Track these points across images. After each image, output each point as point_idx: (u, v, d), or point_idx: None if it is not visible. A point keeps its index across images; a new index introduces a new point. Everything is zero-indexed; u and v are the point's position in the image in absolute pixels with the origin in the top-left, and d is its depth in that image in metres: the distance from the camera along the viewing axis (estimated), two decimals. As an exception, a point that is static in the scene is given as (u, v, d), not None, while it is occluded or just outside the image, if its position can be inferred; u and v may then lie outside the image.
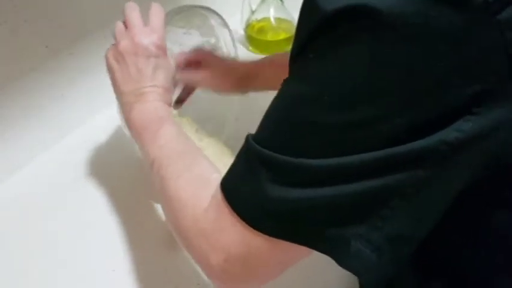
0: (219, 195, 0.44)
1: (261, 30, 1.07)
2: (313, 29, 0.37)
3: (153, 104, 0.61)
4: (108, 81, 0.94)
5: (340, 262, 0.39)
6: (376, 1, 0.34)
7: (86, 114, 0.91)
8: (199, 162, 0.53)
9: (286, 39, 1.05)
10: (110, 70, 0.65)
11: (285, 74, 0.43)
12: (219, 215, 0.43)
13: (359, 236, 0.38)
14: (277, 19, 1.06)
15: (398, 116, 0.36)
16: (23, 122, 0.80)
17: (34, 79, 0.79)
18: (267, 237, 0.40)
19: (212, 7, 1.16)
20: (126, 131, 0.67)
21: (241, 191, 0.42)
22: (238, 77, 0.77)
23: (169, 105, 0.64)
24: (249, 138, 0.43)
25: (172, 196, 0.50)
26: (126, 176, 0.80)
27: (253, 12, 1.06)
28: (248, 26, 1.07)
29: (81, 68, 0.87)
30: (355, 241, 0.38)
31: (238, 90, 0.79)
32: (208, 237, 0.44)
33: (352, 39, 0.35)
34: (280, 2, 1.05)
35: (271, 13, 1.06)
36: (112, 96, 0.96)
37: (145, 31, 0.63)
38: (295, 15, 1.06)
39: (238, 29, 1.12)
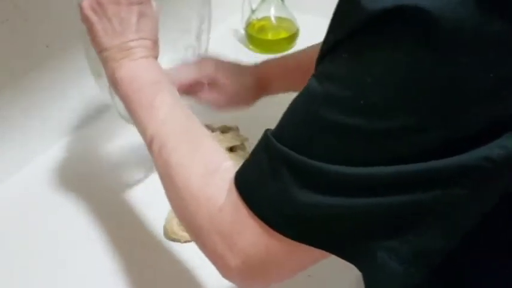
0: (235, 194, 0.42)
1: (262, 29, 1.07)
2: (352, 28, 0.35)
3: (143, 62, 0.55)
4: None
5: (365, 272, 0.38)
6: (426, 2, 0.32)
7: (87, 114, 0.91)
8: (207, 146, 0.50)
9: (287, 38, 1.05)
10: (87, 22, 0.57)
11: (301, 77, 0.42)
12: (236, 215, 0.42)
13: (387, 249, 0.36)
14: (278, 18, 1.06)
15: (438, 128, 0.34)
16: (23, 122, 0.80)
17: (34, 79, 0.79)
18: (288, 240, 0.39)
19: (213, 5, 1.16)
20: (110, 96, 0.60)
21: (262, 193, 0.40)
22: (251, 90, 0.73)
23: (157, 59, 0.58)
24: (268, 135, 0.41)
25: (182, 187, 0.47)
26: (126, 175, 0.80)
27: (253, 11, 1.06)
28: (248, 25, 1.07)
29: (81, 67, 0.87)
30: (383, 253, 0.36)
31: (251, 103, 0.74)
32: (225, 238, 0.42)
33: (396, 42, 0.33)
34: (280, 1, 1.05)
35: (272, 12, 1.06)
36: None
37: None
38: (295, 14, 1.07)
39: (239, 28, 1.12)
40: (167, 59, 0.61)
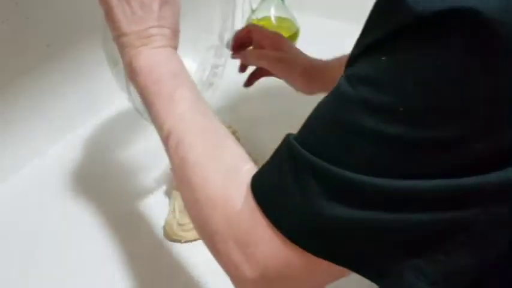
0: (253, 202, 0.39)
1: (262, 29, 1.06)
2: (395, 29, 0.33)
3: (163, 51, 0.53)
4: (108, 80, 0.94)
5: None
6: (484, 5, 0.29)
7: (87, 114, 0.91)
8: (228, 146, 0.47)
9: (287, 38, 1.05)
10: (105, 4, 0.53)
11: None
12: (254, 223, 0.39)
13: (415, 268, 0.34)
14: (278, 18, 1.06)
15: (481, 141, 0.31)
16: (24, 121, 0.80)
17: (35, 78, 0.79)
18: (309, 255, 0.37)
19: (211, 6, 1.16)
20: (126, 87, 0.58)
21: (283, 202, 0.38)
22: (306, 67, 0.72)
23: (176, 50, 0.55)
24: (291, 140, 0.38)
25: (198, 188, 0.44)
26: (126, 175, 0.80)
27: (253, 11, 1.06)
28: (249, 25, 1.07)
29: (82, 67, 0.87)
30: (410, 272, 0.34)
31: (305, 84, 0.72)
32: (242, 247, 0.40)
33: (447, 46, 0.31)
34: (281, 1, 1.05)
35: (272, 12, 1.06)
36: (113, 95, 0.96)
37: None
38: (295, 14, 1.07)
39: (239, 28, 1.12)
40: (187, 61, 0.57)
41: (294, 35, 1.06)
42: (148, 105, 0.51)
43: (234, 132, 0.77)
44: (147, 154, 0.84)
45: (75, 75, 0.86)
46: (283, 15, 1.06)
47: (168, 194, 0.75)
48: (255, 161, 0.76)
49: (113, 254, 0.68)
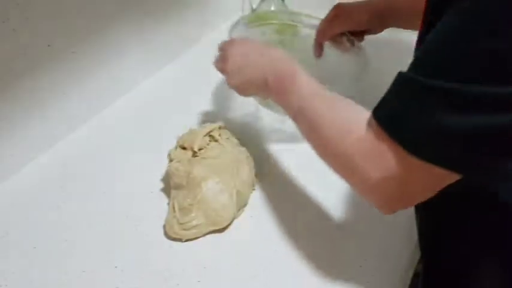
0: (374, 126, 0.48)
1: (261, 29, 1.07)
2: None
3: (281, 59, 0.66)
4: (109, 80, 0.94)
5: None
6: None
7: (87, 114, 0.92)
8: (343, 99, 0.57)
9: (286, 37, 1.05)
10: (237, 65, 0.70)
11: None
12: (377, 141, 0.47)
13: None
14: (277, 18, 1.06)
15: None
16: (25, 121, 0.80)
17: (36, 78, 0.80)
18: (427, 164, 0.44)
19: (213, 5, 1.16)
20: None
21: (405, 121, 0.45)
22: (371, 12, 0.85)
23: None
24: (402, 73, 0.46)
25: (324, 125, 0.55)
26: (126, 174, 0.80)
27: (253, 10, 1.07)
28: (248, 25, 1.07)
29: (83, 67, 0.87)
30: None
31: (376, 25, 0.87)
32: (368, 160, 0.48)
33: None
34: (281, 0, 1.05)
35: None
36: (113, 94, 0.97)
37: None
38: (295, 14, 1.07)
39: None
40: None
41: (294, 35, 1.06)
42: (279, 101, 0.65)
43: (220, 128, 0.77)
44: (146, 154, 0.84)
45: (75, 75, 0.87)
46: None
47: (167, 193, 0.75)
48: (247, 158, 0.77)
49: (113, 253, 0.68)
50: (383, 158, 0.47)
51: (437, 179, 0.47)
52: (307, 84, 0.61)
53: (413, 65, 0.46)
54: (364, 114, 0.51)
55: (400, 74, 0.47)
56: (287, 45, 0.98)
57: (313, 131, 0.58)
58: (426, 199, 0.49)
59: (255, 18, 0.95)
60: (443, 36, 0.43)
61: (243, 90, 0.72)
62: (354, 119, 0.52)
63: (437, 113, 0.42)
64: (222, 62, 0.72)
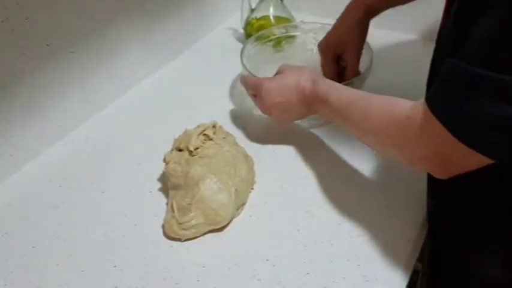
0: (423, 108, 0.51)
1: (261, 29, 1.07)
2: None
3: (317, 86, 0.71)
4: (108, 80, 0.95)
5: None
6: None
7: (87, 113, 0.92)
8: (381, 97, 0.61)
9: (285, 37, 1.05)
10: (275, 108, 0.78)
11: None
12: (425, 122, 0.51)
13: None
14: (277, 17, 1.07)
15: None
16: (24, 121, 0.80)
17: (35, 77, 0.80)
18: (470, 150, 0.47)
19: (213, 4, 1.17)
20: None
21: (456, 109, 0.47)
22: (360, 31, 0.85)
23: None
24: (453, 61, 0.47)
25: (372, 111, 0.60)
26: (125, 174, 0.80)
27: (252, 10, 1.07)
28: (248, 24, 1.07)
29: (82, 66, 0.87)
30: None
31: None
32: (417, 138, 0.53)
33: None
34: (279, 0, 1.05)
35: (271, 11, 1.06)
36: (112, 94, 0.97)
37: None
38: (294, 14, 1.07)
39: (238, 28, 1.12)
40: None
41: (293, 34, 1.06)
42: (335, 120, 0.70)
43: (214, 126, 0.78)
44: (145, 153, 0.84)
45: (74, 75, 0.87)
46: (282, 14, 1.06)
47: (166, 192, 0.75)
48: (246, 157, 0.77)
49: (112, 253, 0.68)
50: (432, 138, 0.51)
51: (483, 161, 0.49)
52: (342, 87, 0.70)
53: (467, 55, 0.47)
54: (403, 101, 0.56)
55: (452, 63, 0.47)
56: (288, 53, 1.01)
57: (363, 120, 0.62)
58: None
59: (256, 38, 0.98)
60: (498, 27, 0.44)
61: (283, 116, 0.79)
62: (400, 103, 0.57)
63: (492, 104, 0.44)
64: (259, 100, 0.80)
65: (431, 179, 0.68)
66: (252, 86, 0.80)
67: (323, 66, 0.89)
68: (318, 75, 0.73)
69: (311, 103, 0.73)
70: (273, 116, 0.80)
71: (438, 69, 0.51)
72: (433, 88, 0.51)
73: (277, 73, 0.80)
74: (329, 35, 0.88)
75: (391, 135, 0.58)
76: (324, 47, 0.88)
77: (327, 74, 0.88)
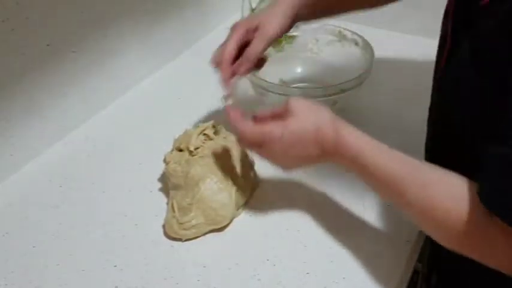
0: (482, 207, 0.46)
1: (261, 29, 1.07)
2: None
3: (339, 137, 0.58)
4: (108, 80, 0.95)
5: None
6: None
7: (87, 113, 0.92)
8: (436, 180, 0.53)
9: (285, 37, 1.05)
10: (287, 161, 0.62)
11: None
12: (487, 227, 0.47)
13: None
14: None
15: None
16: (24, 121, 0.80)
17: (35, 77, 0.80)
18: None
19: (213, 4, 1.17)
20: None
21: None
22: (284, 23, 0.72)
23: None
24: (507, 151, 0.44)
25: (427, 206, 0.51)
26: (125, 174, 0.80)
27: (252, 10, 1.07)
28: (248, 25, 1.07)
29: (82, 66, 0.87)
30: None
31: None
32: (475, 237, 0.48)
33: None
34: None
35: (271, 11, 1.06)
36: (112, 94, 0.97)
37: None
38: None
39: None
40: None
41: (293, 34, 1.06)
42: (363, 177, 0.59)
43: (214, 126, 0.78)
44: (145, 153, 0.84)
45: (74, 75, 0.87)
46: None
47: (166, 192, 0.75)
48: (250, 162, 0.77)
49: (112, 253, 0.68)
50: (492, 238, 0.47)
51: None
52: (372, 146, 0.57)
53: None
54: (460, 188, 0.50)
55: (497, 153, 0.45)
56: (288, 53, 0.99)
57: (420, 202, 0.53)
58: None
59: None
60: None
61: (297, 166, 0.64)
62: (456, 194, 0.50)
63: None
64: (264, 152, 0.62)
65: None
66: (259, 136, 0.60)
67: (225, 42, 0.71)
68: (338, 119, 0.59)
69: (332, 156, 0.59)
70: (282, 167, 0.64)
71: (439, 87, 0.50)
72: (484, 181, 0.47)
73: (286, 110, 0.60)
74: (249, 16, 0.76)
75: (457, 232, 0.51)
76: (238, 22, 0.73)
77: (225, 52, 0.70)
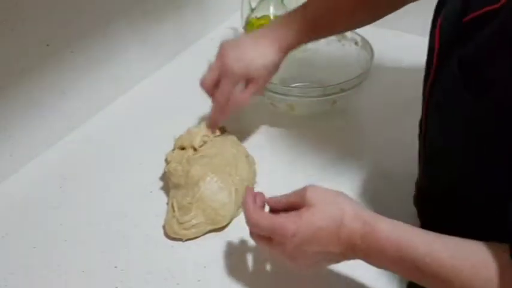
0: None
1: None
2: None
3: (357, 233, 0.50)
4: (107, 80, 0.94)
5: None
6: None
7: (87, 113, 0.92)
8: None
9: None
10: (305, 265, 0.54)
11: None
12: None
13: None
14: (277, 17, 1.06)
15: None
16: (24, 121, 0.80)
17: (34, 77, 0.80)
18: None
19: (213, 4, 1.16)
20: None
21: None
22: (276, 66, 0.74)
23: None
24: None
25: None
26: (125, 174, 0.80)
27: (253, 10, 1.07)
28: (248, 24, 1.07)
29: (81, 66, 0.87)
30: None
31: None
32: None
33: None
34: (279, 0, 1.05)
35: (271, 11, 1.06)
36: (112, 94, 0.97)
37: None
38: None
39: (238, 27, 1.12)
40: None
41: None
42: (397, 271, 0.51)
43: (220, 128, 0.78)
44: (146, 153, 0.84)
45: (73, 75, 0.87)
46: (282, 13, 1.06)
47: (166, 192, 0.75)
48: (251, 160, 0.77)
49: (112, 253, 0.68)
50: None
51: None
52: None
53: None
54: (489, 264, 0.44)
55: None
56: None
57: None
58: None
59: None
60: None
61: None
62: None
63: None
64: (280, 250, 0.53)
65: (419, 198, 0.66)
66: (269, 230, 0.53)
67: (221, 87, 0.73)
68: (362, 207, 0.52)
69: (363, 252, 0.51)
70: (297, 266, 0.54)
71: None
72: None
73: (303, 201, 0.53)
74: (245, 59, 0.72)
75: None
76: (233, 68, 0.72)
77: (219, 95, 0.74)
